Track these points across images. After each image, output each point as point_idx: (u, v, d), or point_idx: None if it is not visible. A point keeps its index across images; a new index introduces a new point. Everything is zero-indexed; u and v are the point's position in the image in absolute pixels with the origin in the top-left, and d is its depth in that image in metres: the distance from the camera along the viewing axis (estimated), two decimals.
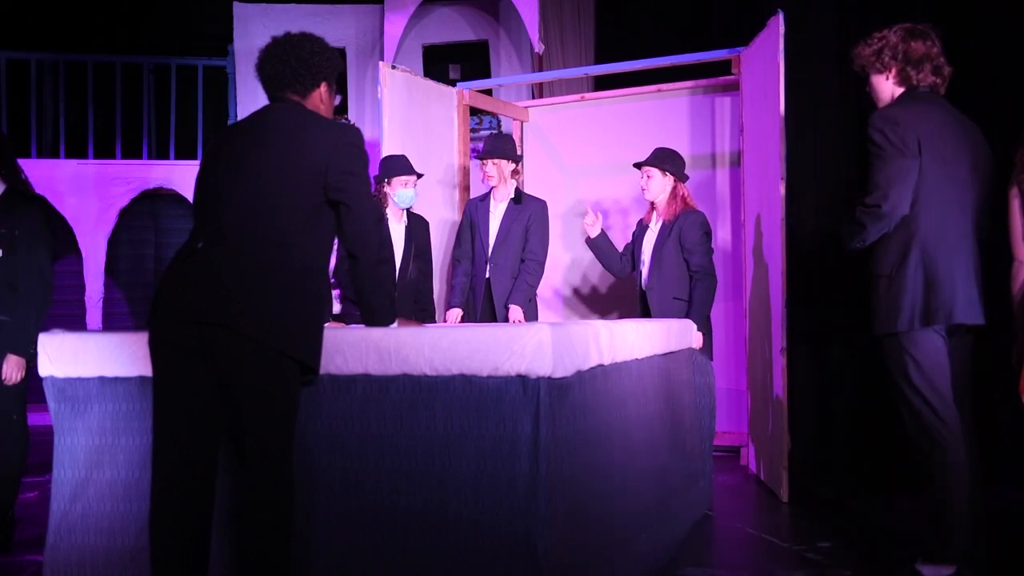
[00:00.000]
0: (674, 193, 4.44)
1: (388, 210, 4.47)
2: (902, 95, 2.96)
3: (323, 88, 2.54)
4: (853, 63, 3.08)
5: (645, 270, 4.51)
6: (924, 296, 2.80)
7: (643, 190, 4.50)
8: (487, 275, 4.76)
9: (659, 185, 4.45)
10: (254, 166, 2.35)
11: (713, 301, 4.43)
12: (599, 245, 4.69)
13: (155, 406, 2.34)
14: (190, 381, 2.29)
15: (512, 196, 4.78)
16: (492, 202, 4.83)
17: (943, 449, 2.77)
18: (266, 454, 2.26)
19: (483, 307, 4.75)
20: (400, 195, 4.46)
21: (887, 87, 3.00)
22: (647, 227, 4.56)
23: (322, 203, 2.38)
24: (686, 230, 4.35)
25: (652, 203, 4.52)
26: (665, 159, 4.45)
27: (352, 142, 2.43)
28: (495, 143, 4.82)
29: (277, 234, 2.30)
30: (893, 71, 2.97)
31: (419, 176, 4.55)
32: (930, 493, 2.81)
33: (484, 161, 4.78)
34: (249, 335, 2.21)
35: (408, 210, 4.59)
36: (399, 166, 4.50)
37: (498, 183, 4.78)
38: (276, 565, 2.23)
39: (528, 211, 4.74)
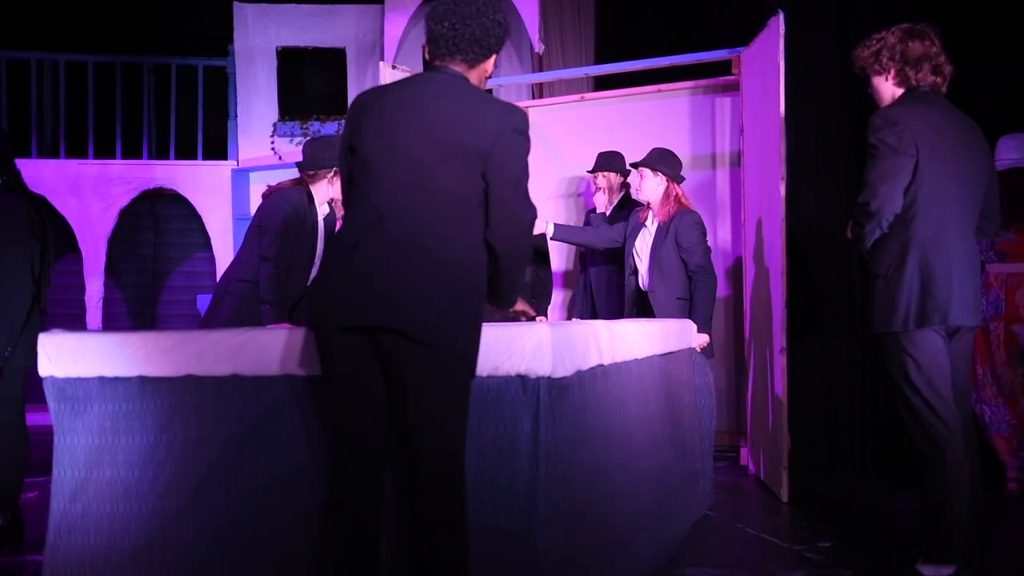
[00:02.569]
0: (667, 194, 4.44)
1: None
2: (903, 95, 2.96)
3: (492, 60, 2.35)
4: (853, 65, 3.08)
5: (645, 272, 4.51)
6: (920, 297, 2.80)
7: (637, 190, 4.54)
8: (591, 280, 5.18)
9: (651, 185, 4.47)
10: (414, 145, 2.19)
11: (715, 299, 4.44)
12: (564, 236, 4.83)
13: (334, 412, 2.29)
14: (363, 386, 2.23)
15: (615, 205, 5.05)
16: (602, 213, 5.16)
17: (943, 449, 2.77)
18: (440, 458, 2.18)
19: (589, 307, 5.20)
20: None
21: (887, 88, 3.00)
22: (642, 226, 4.57)
23: (483, 190, 2.22)
24: (682, 230, 4.36)
25: (648, 203, 4.53)
26: (658, 160, 4.46)
27: (519, 128, 2.24)
28: (606, 158, 5.06)
29: (439, 224, 2.17)
30: (892, 72, 2.97)
31: None
32: (930, 493, 2.81)
33: (595, 174, 5.07)
34: (419, 339, 2.12)
35: None
36: None
37: (608, 194, 5.06)
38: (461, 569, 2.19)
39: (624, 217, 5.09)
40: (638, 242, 4.56)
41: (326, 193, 3.82)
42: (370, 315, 2.15)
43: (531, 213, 2.30)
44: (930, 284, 2.80)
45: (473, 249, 2.22)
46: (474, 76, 2.33)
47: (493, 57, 2.35)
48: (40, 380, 2.74)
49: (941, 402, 2.80)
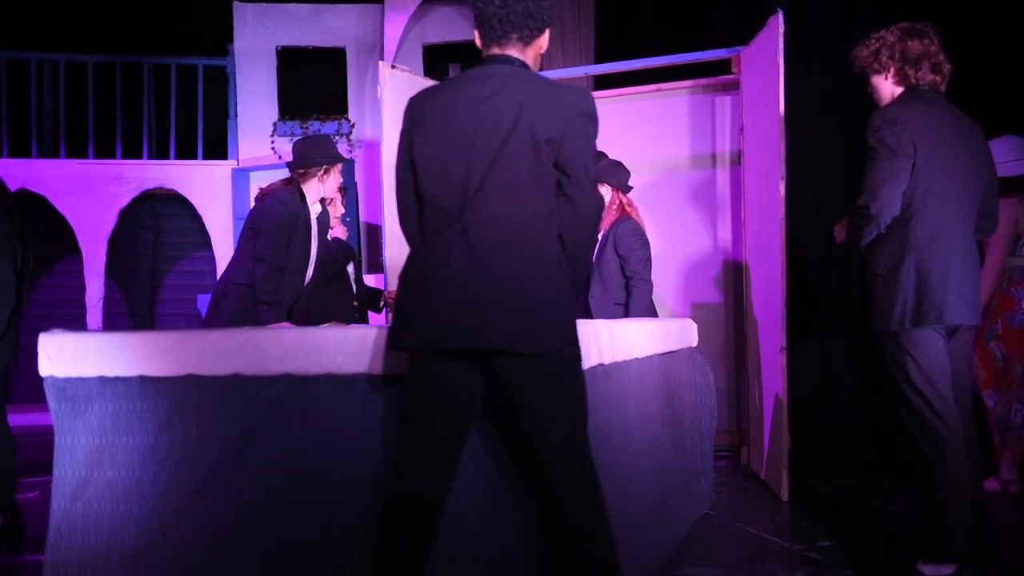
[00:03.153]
0: (611, 203, 4.53)
1: None
2: (902, 94, 2.96)
3: (547, 34, 2.27)
4: (853, 65, 3.08)
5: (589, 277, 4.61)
6: (917, 296, 2.80)
7: None
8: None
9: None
10: (486, 143, 2.11)
11: (648, 305, 4.45)
12: None
13: (400, 423, 2.27)
14: (455, 401, 2.19)
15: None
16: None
17: (943, 449, 2.77)
18: (572, 459, 2.16)
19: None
20: None
21: (887, 87, 3.00)
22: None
23: (557, 179, 2.15)
24: (619, 237, 4.45)
25: None
26: (605, 172, 4.55)
27: (587, 112, 2.17)
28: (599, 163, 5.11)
29: (524, 223, 2.11)
30: (891, 71, 2.97)
31: None
32: (930, 493, 2.81)
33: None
34: (526, 353, 2.08)
35: None
36: None
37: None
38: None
39: None
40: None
41: (317, 192, 3.84)
42: (470, 338, 2.09)
43: (600, 200, 2.23)
44: (926, 283, 2.80)
45: (556, 241, 2.17)
46: (530, 55, 2.26)
47: (547, 32, 2.27)
48: (40, 380, 2.74)
49: (941, 401, 2.80)
